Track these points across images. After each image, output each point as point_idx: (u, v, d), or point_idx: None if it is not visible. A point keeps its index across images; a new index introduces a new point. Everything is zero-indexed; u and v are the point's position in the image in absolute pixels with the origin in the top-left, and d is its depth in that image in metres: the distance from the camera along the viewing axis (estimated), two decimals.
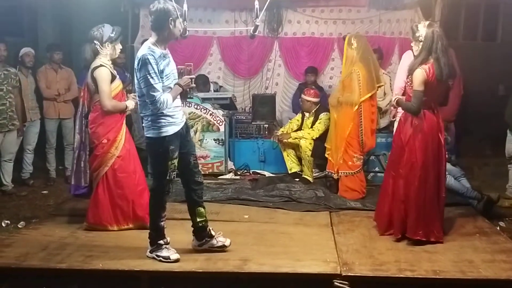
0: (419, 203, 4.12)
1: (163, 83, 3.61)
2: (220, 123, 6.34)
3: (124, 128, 4.46)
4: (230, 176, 6.34)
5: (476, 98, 7.73)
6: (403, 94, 4.45)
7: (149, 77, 3.51)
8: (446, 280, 3.55)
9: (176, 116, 3.72)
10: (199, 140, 6.35)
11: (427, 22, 4.24)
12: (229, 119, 6.50)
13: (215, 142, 6.36)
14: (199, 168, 4.02)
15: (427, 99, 4.08)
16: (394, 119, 5.11)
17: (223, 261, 3.79)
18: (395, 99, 4.36)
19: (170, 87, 3.67)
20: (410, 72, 4.11)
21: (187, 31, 3.61)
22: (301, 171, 6.23)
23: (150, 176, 6.00)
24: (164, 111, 3.61)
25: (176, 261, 3.74)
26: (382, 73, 6.00)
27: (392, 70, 7.29)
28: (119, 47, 4.42)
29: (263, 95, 7.47)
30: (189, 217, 4.75)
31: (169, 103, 3.60)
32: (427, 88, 4.03)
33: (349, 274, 3.58)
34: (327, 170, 5.77)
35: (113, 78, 4.33)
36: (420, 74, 4.00)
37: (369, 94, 5.31)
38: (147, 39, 7.37)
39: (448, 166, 5.08)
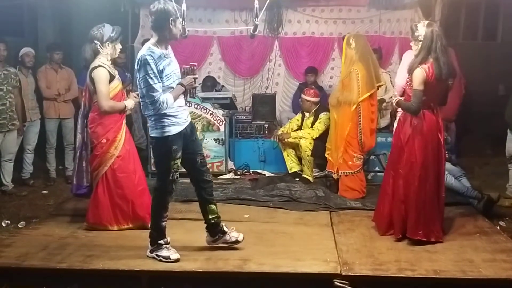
0: (419, 203, 4.12)
1: (163, 83, 3.61)
2: (220, 123, 6.34)
3: (123, 128, 4.46)
4: (230, 175, 6.34)
5: (477, 97, 7.73)
6: (403, 95, 4.45)
7: (148, 78, 3.53)
8: (447, 279, 3.55)
9: (179, 116, 3.73)
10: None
11: (427, 22, 4.24)
12: (229, 118, 6.50)
13: (215, 142, 6.35)
14: (207, 167, 4.04)
15: (426, 98, 4.08)
16: (395, 118, 5.11)
17: (223, 260, 3.79)
18: (395, 100, 4.35)
19: (172, 87, 3.67)
20: (410, 71, 4.11)
21: (187, 31, 3.62)
22: (301, 170, 6.23)
23: (150, 176, 6.07)
24: (166, 111, 3.62)
25: (177, 261, 3.74)
26: (382, 73, 6.00)
27: (393, 70, 7.29)
28: (119, 46, 4.42)
29: (263, 95, 7.47)
30: (189, 217, 4.78)
31: (170, 103, 3.60)
32: (427, 87, 4.03)
33: (349, 273, 3.57)
34: (327, 169, 5.77)
35: (111, 78, 4.33)
36: (419, 74, 4.00)
37: (368, 94, 5.31)
38: (147, 39, 7.36)
39: (449, 165, 5.09)
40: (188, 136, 3.82)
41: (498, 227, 4.69)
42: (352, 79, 5.33)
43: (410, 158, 4.13)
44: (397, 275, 3.59)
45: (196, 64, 3.85)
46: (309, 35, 7.79)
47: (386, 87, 6.50)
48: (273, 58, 7.85)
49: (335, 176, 5.59)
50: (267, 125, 6.82)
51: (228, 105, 6.71)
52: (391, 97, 6.21)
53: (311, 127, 6.20)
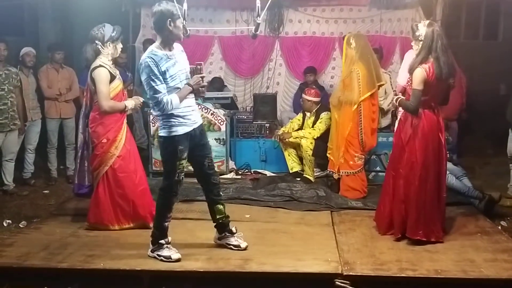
0: (419, 203, 4.11)
1: (168, 84, 3.63)
2: (221, 123, 6.34)
3: (124, 127, 4.46)
4: (231, 175, 6.34)
5: (478, 97, 7.72)
6: (404, 94, 4.44)
7: (149, 80, 3.59)
8: (448, 279, 3.54)
9: (188, 117, 3.74)
10: None
11: (427, 21, 4.23)
12: (230, 118, 6.49)
13: (216, 142, 6.35)
14: (215, 170, 4.05)
15: (427, 98, 4.07)
16: (397, 116, 5.11)
17: (224, 260, 3.79)
18: (396, 99, 4.35)
19: (179, 88, 3.68)
20: (410, 71, 4.11)
21: (188, 31, 3.62)
22: (302, 170, 6.23)
23: (151, 175, 6.07)
24: (174, 112, 3.65)
25: (178, 260, 3.74)
26: (383, 73, 6.00)
27: (394, 70, 7.29)
28: (120, 46, 4.43)
29: (264, 94, 7.47)
30: (190, 216, 4.80)
31: (175, 104, 3.62)
32: (427, 87, 4.02)
33: (351, 273, 3.57)
34: (328, 169, 5.77)
35: (112, 78, 4.33)
36: (419, 73, 4.00)
37: (369, 93, 5.30)
38: (148, 39, 7.44)
39: (450, 165, 5.08)
40: (197, 138, 3.82)
41: (500, 227, 4.69)
42: (353, 79, 5.33)
43: (410, 158, 4.13)
44: (398, 275, 3.58)
45: (202, 63, 3.84)
46: (310, 34, 7.79)
47: (385, 91, 6.49)
48: (274, 57, 7.85)
49: (336, 176, 5.59)
50: (268, 125, 6.81)
51: (229, 105, 6.71)
52: (389, 104, 6.24)
53: (312, 127, 6.19)
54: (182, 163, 3.74)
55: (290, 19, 7.75)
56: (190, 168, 3.98)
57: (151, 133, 6.24)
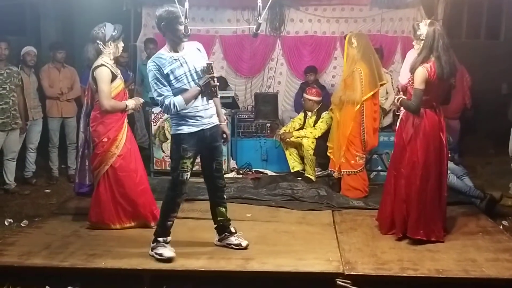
0: (420, 203, 4.11)
1: (172, 86, 3.67)
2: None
3: (125, 127, 4.45)
4: (232, 175, 6.33)
5: (479, 96, 7.71)
6: (405, 93, 4.43)
7: (153, 83, 3.68)
8: (449, 279, 3.54)
9: (195, 117, 3.73)
10: None
11: (429, 21, 4.22)
12: (231, 118, 6.49)
13: None
14: (223, 174, 4.02)
15: (428, 98, 4.07)
16: (398, 113, 5.09)
17: (226, 259, 3.79)
18: (398, 99, 4.34)
19: (186, 89, 3.68)
20: (412, 71, 4.10)
21: (189, 30, 3.62)
22: (304, 170, 6.23)
23: (152, 175, 6.07)
24: (181, 112, 3.68)
25: (169, 259, 3.72)
26: (384, 72, 5.99)
27: (395, 69, 7.29)
28: (121, 45, 4.43)
29: (266, 94, 7.46)
30: (191, 215, 4.80)
31: (180, 105, 3.64)
32: (429, 87, 4.01)
33: (352, 273, 3.57)
34: (329, 169, 5.77)
35: (114, 77, 4.33)
36: (421, 73, 3.99)
37: (372, 93, 5.31)
38: (149, 38, 7.44)
39: (451, 165, 5.08)
40: (207, 140, 3.81)
41: (501, 227, 4.68)
42: (355, 79, 5.33)
43: (412, 158, 4.12)
44: (399, 275, 3.58)
45: (213, 62, 3.78)
46: (311, 34, 7.79)
47: (387, 91, 6.48)
48: (275, 57, 7.85)
49: (337, 176, 5.59)
50: (269, 124, 6.81)
51: (230, 104, 6.70)
52: (391, 105, 6.23)
53: (314, 126, 6.19)
54: (186, 162, 3.74)
55: (291, 18, 7.74)
56: (194, 168, 3.98)
57: (152, 132, 6.23)
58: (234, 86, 7.81)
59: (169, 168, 4.10)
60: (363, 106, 5.32)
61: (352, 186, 5.47)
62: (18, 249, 4.01)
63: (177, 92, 3.67)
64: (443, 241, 4.14)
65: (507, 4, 8.94)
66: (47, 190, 6.15)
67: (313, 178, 6.07)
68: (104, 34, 4.29)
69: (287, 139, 6.25)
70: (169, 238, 3.85)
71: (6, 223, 4.91)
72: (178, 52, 3.72)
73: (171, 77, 3.66)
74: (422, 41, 4.10)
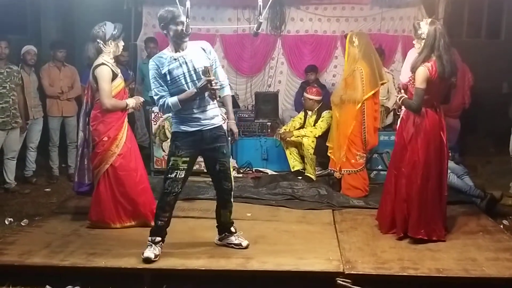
0: (421, 202, 4.11)
1: (169, 86, 3.69)
2: (223, 121, 6.31)
3: (125, 126, 4.45)
4: (232, 174, 6.32)
5: (480, 95, 7.70)
6: (406, 92, 4.43)
7: (151, 82, 3.74)
8: (449, 278, 3.54)
9: (192, 117, 3.73)
10: None
11: (429, 20, 4.21)
12: None
13: None
14: (228, 175, 3.95)
15: (429, 97, 4.06)
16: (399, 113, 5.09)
17: (226, 259, 3.79)
18: (401, 97, 4.33)
19: (184, 90, 3.68)
20: (413, 70, 4.10)
21: (190, 29, 3.61)
22: (304, 169, 6.23)
23: (152, 174, 6.07)
24: (177, 112, 3.71)
25: (146, 259, 3.67)
26: (385, 72, 5.99)
27: (396, 68, 7.29)
28: (122, 44, 4.42)
29: (266, 93, 7.45)
30: (192, 215, 4.81)
31: (174, 106, 3.65)
32: (430, 86, 4.01)
33: (352, 272, 3.57)
34: (329, 168, 5.77)
35: (114, 76, 4.33)
36: (422, 72, 3.99)
37: (372, 92, 5.31)
38: (150, 37, 7.44)
39: (451, 164, 5.07)
40: (207, 141, 3.79)
41: (501, 226, 4.68)
42: (356, 78, 5.32)
43: (412, 157, 4.12)
44: (399, 274, 3.58)
45: (209, 65, 3.69)
46: (312, 33, 7.79)
47: (388, 90, 6.48)
48: (275, 56, 7.86)
49: (337, 175, 5.58)
50: (269, 123, 6.80)
51: None
52: (394, 104, 6.21)
53: (314, 125, 6.19)
54: (176, 160, 3.73)
55: (292, 17, 7.74)
56: (194, 168, 3.98)
57: (152, 131, 6.23)
58: (235, 85, 7.80)
59: None
60: (364, 105, 5.32)
61: (353, 185, 5.47)
62: (18, 248, 4.01)
63: (175, 92, 3.67)
64: (444, 240, 4.14)
65: (508, 3, 8.93)
66: (47, 189, 6.15)
67: (313, 177, 6.07)
68: (104, 33, 4.29)
69: (288, 138, 6.25)
70: (157, 239, 3.79)
71: (7, 222, 4.91)
72: (179, 52, 3.71)
73: (168, 77, 3.67)
74: (423, 40, 4.10)
